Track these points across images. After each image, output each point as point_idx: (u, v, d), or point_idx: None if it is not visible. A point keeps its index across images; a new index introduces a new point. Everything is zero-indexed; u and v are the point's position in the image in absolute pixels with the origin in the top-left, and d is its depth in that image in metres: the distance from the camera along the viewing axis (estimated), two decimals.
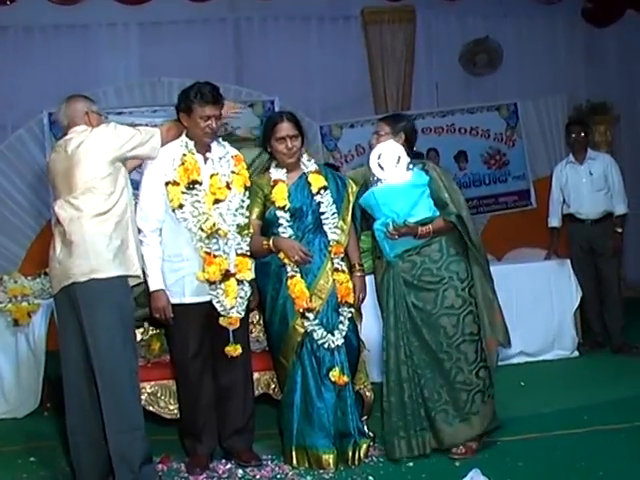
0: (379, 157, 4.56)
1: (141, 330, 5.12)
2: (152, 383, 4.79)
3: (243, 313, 4.45)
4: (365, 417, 4.75)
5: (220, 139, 4.66)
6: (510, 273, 6.72)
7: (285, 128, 4.58)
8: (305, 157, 4.72)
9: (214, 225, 4.35)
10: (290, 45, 9.41)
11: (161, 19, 9.12)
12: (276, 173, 4.64)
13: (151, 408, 4.79)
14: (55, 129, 8.19)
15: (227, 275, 4.38)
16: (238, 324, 4.43)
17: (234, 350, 4.43)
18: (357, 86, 9.57)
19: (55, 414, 5.67)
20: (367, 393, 4.81)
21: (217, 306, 4.38)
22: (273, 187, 4.59)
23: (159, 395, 4.79)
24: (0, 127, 8.77)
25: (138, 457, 4.04)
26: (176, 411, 4.72)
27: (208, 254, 4.35)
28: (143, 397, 4.73)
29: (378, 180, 4.59)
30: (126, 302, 4.13)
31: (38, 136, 8.37)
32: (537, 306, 6.79)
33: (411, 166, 4.57)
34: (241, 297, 4.44)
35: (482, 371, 4.52)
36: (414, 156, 4.69)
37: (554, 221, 7.19)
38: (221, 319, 4.40)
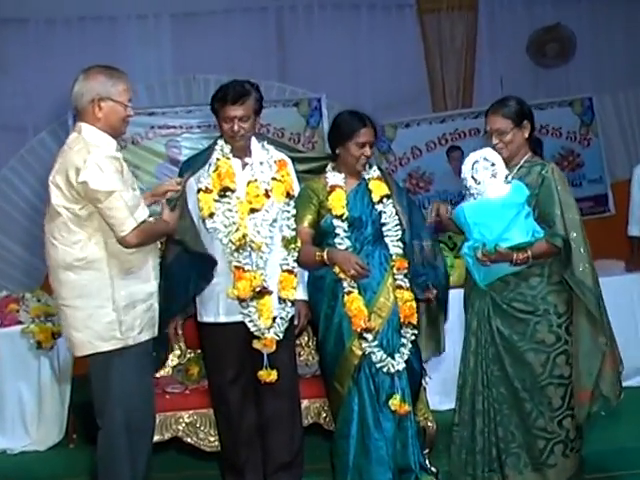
0: (473, 167, 4.32)
1: (178, 353, 5.15)
2: (190, 412, 4.80)
3: (282, 335, 4.43)
4: (427, 450, 4.72)
5: (265, 142, 4.65)
6: None
7: (368, 134, 4.58)
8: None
9: (243, 237, 4.34)
10: (338, 37, 9.39)
11: (196, 9, 9.15)
12: (333, 178, 4.63)
13: (189, 440, 4.80)
14: None
15: (261, 292, 4.37)
16: (274, 347, 4.40)
17: (267, 376, 4.40)
18: (412, 81, 9.54)
19: (81, 447, 5.72)
20: (429, 424, 4.78)
21: (249, 326, 4.37)
22: (330, 193, 4.58)
23: (198, 425, 4.79)
24: (20, 129, 8.85)
25: None
26: (217, 443, 4.72)
27: (238, 268, 4.35)
28: (180, 427, 4.76)
29: (472, 194, 4.35)
30: (109, 373, 3.89)
31: (62, 140, 8.31)
32: (618, 325, 6.48)
33: (509, 178, 4.30)
34: (281, 317, 4.43)
35: (567, 420, 4.32)
36: (534, 143, 4.49)
37: (634, 229, 7.07)
38: (255, 341, 4.39)
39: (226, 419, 4.52)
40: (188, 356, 5.17)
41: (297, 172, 4.73)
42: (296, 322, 4.56)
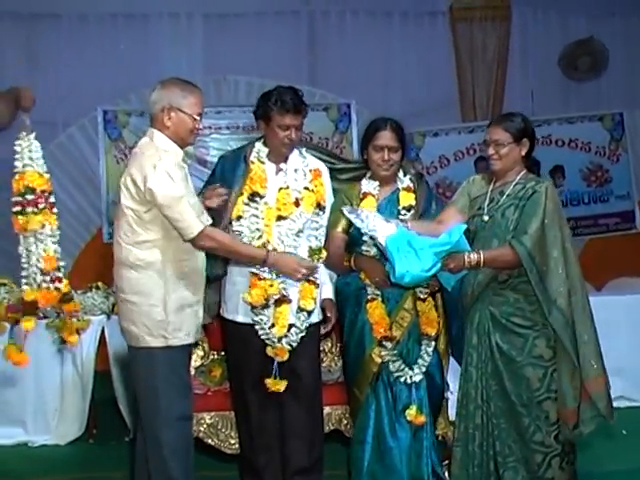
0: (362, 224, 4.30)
1: (201, 354, 5.20)
2: (212, 414, 4.86)
3: (295, 344, 4.44)
4: (446, 462, 4.71)
5: (304, 149, 4.68)
6: (611, 306, 6.60)
7: (386, 137, 4.55)
8: (401, 171, 4.70)
9: (263, 245, 4.36)
10: (370, 43, 9.39)
11: (228, 11, 9.18)
12: (367, 185, 4.65)
13: (210, 441, 4.85)
14: (110, 128, 8.38)
15: (280, 300, 4.41)
16: (286, 357, 4.42)
17: (274, 385, 4.42)
18: (443, 90, 9.53)
19: (101, 442, 5.75)
20: (449, 434, 4.78)
21: (260, 333, 4.41)
22: (362, 200, 4.60)
23: (219, 427, 4.85)
24: (50, 124, 8.85)
25: None
26: (237, 445, 4.76)
27: (254, 275, 4.39)
28: (201, 429, 4.82)
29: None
30: (154, 368, 4.02)
31: (91, 135, 8.50)
32: None
33: (394, 224, 4.27)
34: (296, 327, 4.45)
35: (563, 435, 4.32)
36: (532, 163, 4.46)
37: None
38: (268, 348, 4.42)
39: (246, 422, 4.56)
40: (211, 357, 5.18)
41: (339, 181, 4.76)
42: (327, 314, 4.57)
